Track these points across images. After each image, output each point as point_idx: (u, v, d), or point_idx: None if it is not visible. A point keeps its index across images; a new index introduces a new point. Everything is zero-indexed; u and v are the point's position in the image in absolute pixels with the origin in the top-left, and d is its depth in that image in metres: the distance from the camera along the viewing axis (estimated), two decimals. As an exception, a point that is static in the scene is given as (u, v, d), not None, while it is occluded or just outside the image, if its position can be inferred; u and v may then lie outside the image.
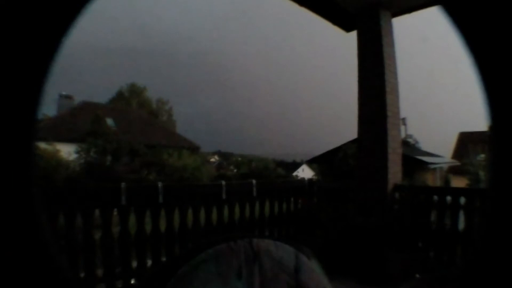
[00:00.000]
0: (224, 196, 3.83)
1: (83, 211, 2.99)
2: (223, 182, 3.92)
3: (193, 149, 21.06)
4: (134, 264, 3.26)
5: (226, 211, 3.91)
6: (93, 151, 13.60)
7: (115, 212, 3.22)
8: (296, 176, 25.44)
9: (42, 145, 11.78)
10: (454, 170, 16.25)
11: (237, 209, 3.99)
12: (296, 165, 38.08)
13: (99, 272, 3.09)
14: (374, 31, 4.21)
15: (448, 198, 3.76)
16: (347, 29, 4.79)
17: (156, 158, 15.00)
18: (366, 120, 4.31)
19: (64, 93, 21.35)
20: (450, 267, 3.52)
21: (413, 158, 12.06)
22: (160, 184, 3.42)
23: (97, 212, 3.12)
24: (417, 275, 3.39)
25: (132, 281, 3.19)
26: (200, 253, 0.88)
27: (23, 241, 0.43)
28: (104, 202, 3.15)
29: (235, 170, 23.99)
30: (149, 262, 3.34)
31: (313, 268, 0.97)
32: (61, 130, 16.00)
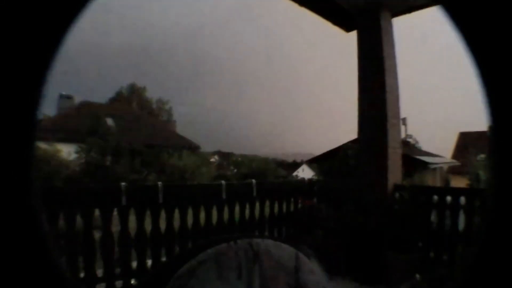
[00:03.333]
0: (224, 196, 3.83)
1: (83, 211, 2.98)
2: (223, 182, 3.92)
3: (193, 149, 21.03)
4: (134, 264, 3.26)
5: (226, 211, 3.91)
6: (93, 151, 13.60)
7: (115, 212, 3.22)
8: (296, 176, 25.39)
9: (42, 145, 11.77)
10: (454, 170, 16.29)
11: (237, 209, 3.99)
12: (296, 165, 37.97)
13: (99, 272, 3.09)
14: (374, 31, 4.21)
15: (448, 198, 3.76)
16: (347, 29, 4.79)
17: (156, 158, 15.01)
18: (366, 120, 4.31)
19: (64, 93, 21.31)
20: (450, 267, 3.52)
21: (413, 158, 12.08)
22: (160, 184, 3.42)
23: (97, 212, 3.12)
24: (417, 275, 3.38)
25: (132, 281, 3.19)
26: (200, 253, 0.88)
27: (23, 241, 0.43)
28: (104, 202, 3.15)
29: (235, 170, 23.95)
30: (149, 262, 3.34)
31: (313, 268, 0.97)
32: (61, 130, 15.98)
